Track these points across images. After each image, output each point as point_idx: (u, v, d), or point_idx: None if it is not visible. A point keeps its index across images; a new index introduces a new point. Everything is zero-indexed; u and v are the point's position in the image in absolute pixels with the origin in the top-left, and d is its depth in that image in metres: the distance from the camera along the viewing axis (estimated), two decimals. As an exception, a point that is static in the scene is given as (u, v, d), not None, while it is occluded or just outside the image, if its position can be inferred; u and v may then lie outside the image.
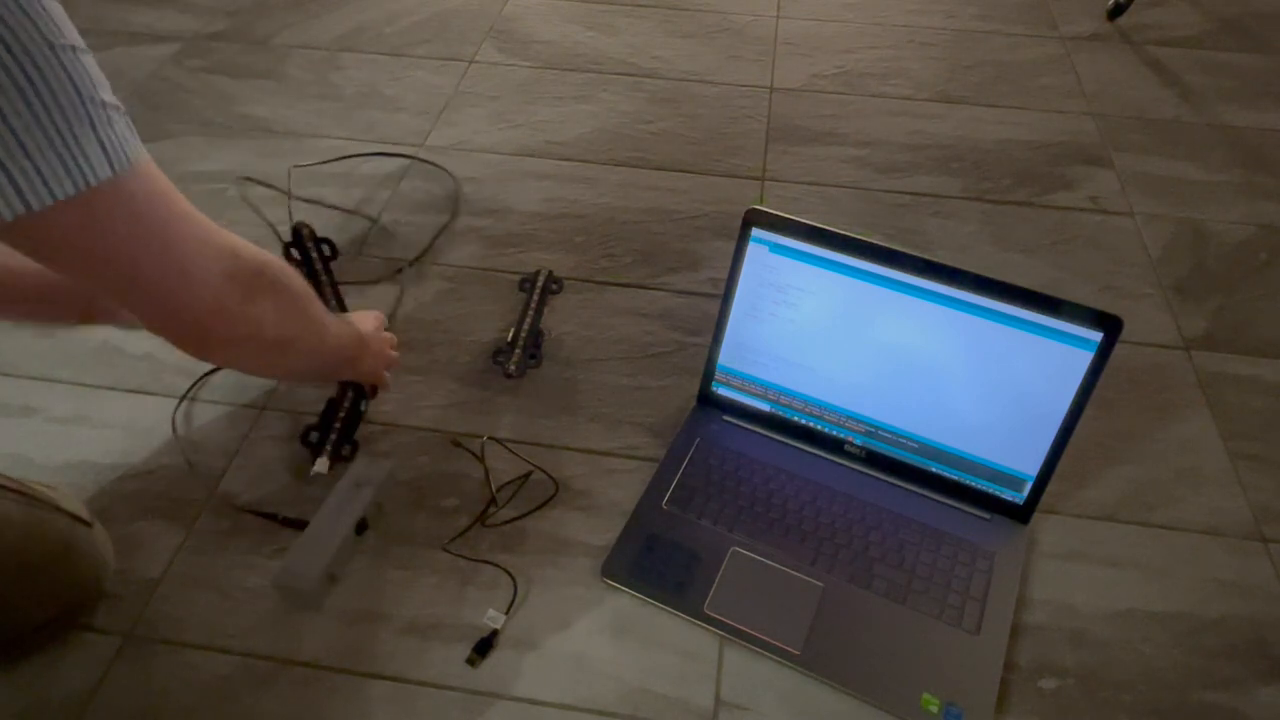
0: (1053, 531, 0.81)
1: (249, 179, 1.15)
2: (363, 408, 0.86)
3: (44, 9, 0.41)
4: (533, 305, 0.98)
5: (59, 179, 0.42)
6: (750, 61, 1.40)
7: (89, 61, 0.44)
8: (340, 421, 0.84)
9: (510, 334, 0.95)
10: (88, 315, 0.80)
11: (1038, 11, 1.53)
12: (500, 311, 1.00)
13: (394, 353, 0.87)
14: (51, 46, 0.41)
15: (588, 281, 1.04)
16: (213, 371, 0.91)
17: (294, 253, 0.96)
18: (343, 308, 0.95)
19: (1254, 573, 0.78)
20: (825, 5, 1.54)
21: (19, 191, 0.41)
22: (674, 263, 1.06)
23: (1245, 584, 0.77)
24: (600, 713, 0.68)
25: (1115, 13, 1.50)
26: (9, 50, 0.39)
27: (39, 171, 0.41)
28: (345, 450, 0.84)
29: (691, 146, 1.23)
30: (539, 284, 1.00)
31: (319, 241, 0.98)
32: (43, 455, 0.84)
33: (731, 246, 0.80)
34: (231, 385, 0.91)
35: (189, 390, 0.90)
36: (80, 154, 0.42)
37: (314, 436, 0.84)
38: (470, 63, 1.39)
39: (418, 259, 1.05)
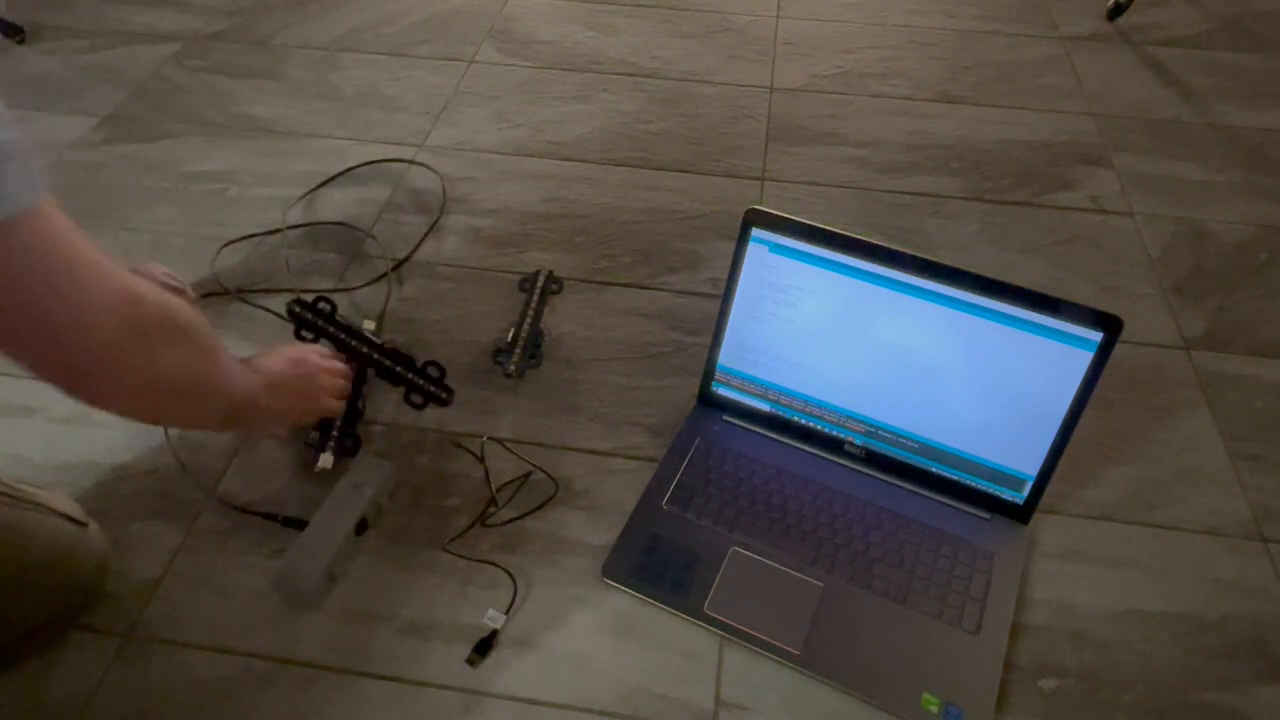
0: (1053, 531, 0.81)
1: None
2: (360, 405, 0.86)
3: None
4: (533, 305, 0.98)
5: None
6: (750, 61, 1.40)
7: None
8: (340, 418, 0.84)
9: (510, 334, 0.95)
10: None
11: (1038, 11, 1.53)
12: (500, 311, 1.00)
13: (328, 376, 0.81)
14: None
15: (588, 281, 1.04)
16: None
17: (306, 335, 0.91)
18: (372, 352, 0.89)
19: (1254, 573, 0.78)
20: (825, 5, 1.54)
21: None
22: (674, 263, 1.06)
23: (1245, 584, 0.77)
24: (600, 713, 0.68)
25: (1115, 13, 1.50)
26: None
27: None
28: (349, 443, 0.84)
29: (691, 146, 1.23)
30: (539, 284, 1.00)
31: (315, 306, 0.91)
32: (43, 455, 0.84)
33: (731, 246, 0.80)
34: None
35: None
36: None
37: (313, 436, 0.84)
38: (470, 63, 1.39)
39: (403, 261, 1.05)
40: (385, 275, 1.03)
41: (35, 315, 0.46)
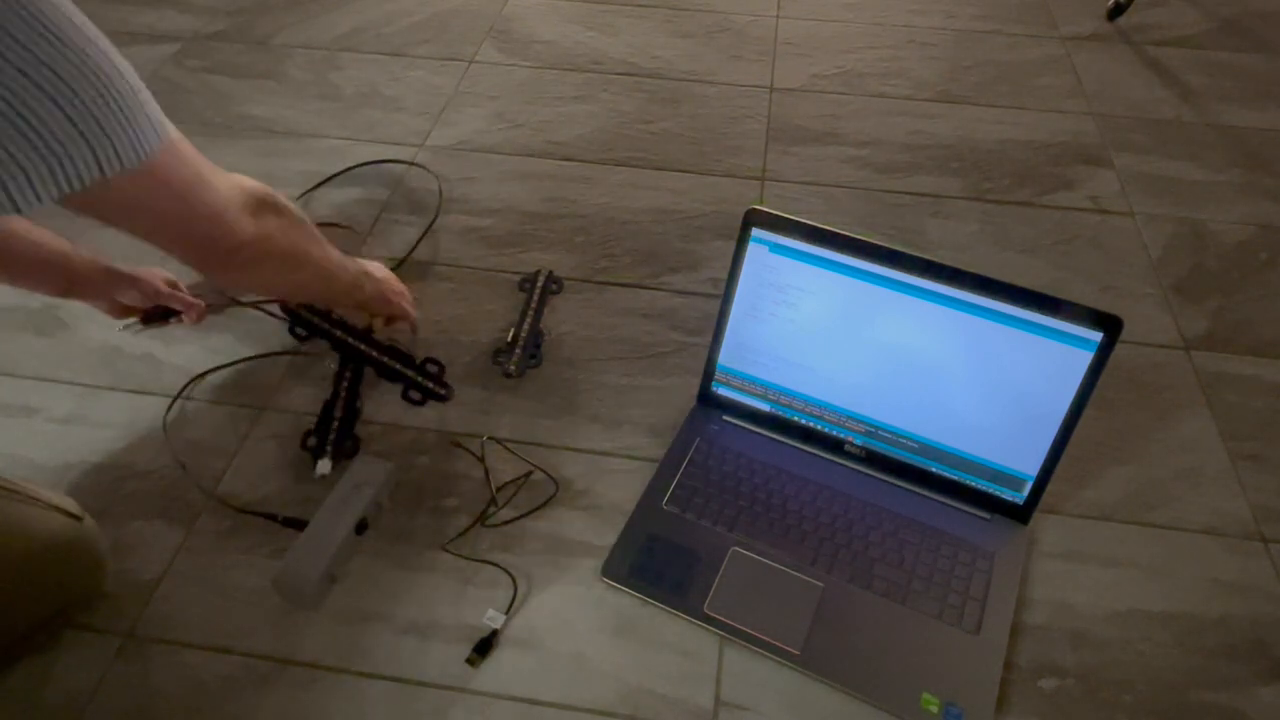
0: (1053, 531, 0.81)
1: None
2: (358, 404, 0.86)
3: (80, 15, 0.49)
4: (533, 305, 0.98)
5: (126, 153, 0.51)
6: (750, 61, 1.40)
7: (119, 56, 0.52)
8: (338, 420, 0.84)
9: (510, 334, 0.95)
10: (68, 291, 0.87)
11: (1038, 11, 1.53)
12: (500, 311, 1.00)
13: (407, 300, 0.93)
14: (105, 54, 0.49)
15: (588, 281, 1.04)
16: (205, 374, 0.91)
17: (299, 331, 0.93)
18: (371, 350, 0.90)
19: (1254, 573, 0.78)
20: (825, 5, 1.54)
21: (99, 162, 0.50)
22: (674, 263, 1.06)
23: (1245, 584, 0.77)
24: (600, 713, 0.68)
25: (1115, 13, 1.50)
26: (84, 69, 0.48)
27: (114, 148, 0.50)
28: (347, 445, 0.84)
29: (691, 146, 1.23)
30: (539, 284, 1.00)
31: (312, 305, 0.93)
32: (43, 455, 0.84)
33: (731, 246, 0.80)
34: (231, 385, 0.91)
35: (181, 391, 0.90)
36: (139, 132, 0.52)
37: (312, 441, 0.84)
38: (470, 63, 1.39)
39: (403, 260, 1.05)
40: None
41: (189, 222, 0.59)
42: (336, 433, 0.84)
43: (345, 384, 0.87)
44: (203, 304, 0.95)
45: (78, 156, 0.49)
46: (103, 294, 0.90)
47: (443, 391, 0.88)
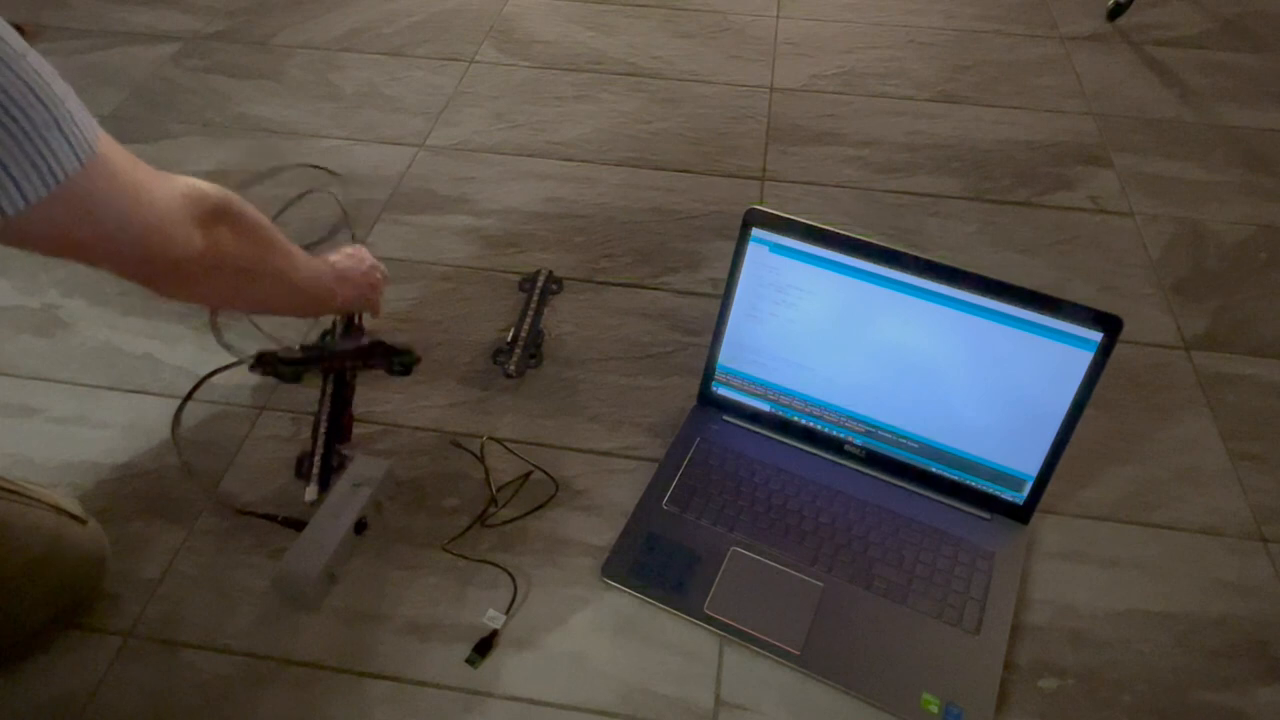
0: (1053, 531, 0.81)
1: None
2: (345, 420, 0.86)
3: None
4: (533, 305, 0.98)
5: (31, 183, 0.44)
6: (750, 61, 1.40)
7: (36, 60, 0.45)
8: (320, 445, 0.83)
9: (510, 334, 0.95)
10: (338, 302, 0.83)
11: (1038, 11, 1.53)
12: (500, 311, 1.00)
13: (379, 274, 0.88)
14: (6, 63, 0.43)
15: (588, 281, 1.04)
16: (215, 372, 0.91)
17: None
18: (343, 359, 0.90)
19: (1254, 573, 0.78)
20: (825, 5, 1.54)
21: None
22: (674, 263, 1.06)
23: (1245, 584, 0.77)
24: (600, 713, 0.68)
25: (1115, 13, 1.50)
26: None
27: (13, 180, 0.44)
28: (334, 462, 0.83)
29: (691, 146, 1.23)
30: (539, 284, 1.00)
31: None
32: (43, 455, 0.84)
33: (731, 246, 0.80)
34: (232, 386, 0.91)
35: (191, 392, 0.90)
36: (50, 154, 0.45)
37: (305, 466, 0.83)
38: (470, 63, 1.39)
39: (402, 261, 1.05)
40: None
41: (125, 233, 0.53)
42: (322, 457, 0.83)
43: (328, 402, 0.86)
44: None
45: None
46: (364, 295, 0.86)
47: (407, 357, 0.90)
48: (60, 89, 0.46)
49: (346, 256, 0.85)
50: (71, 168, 0.47)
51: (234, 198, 0.62)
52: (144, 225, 0.53)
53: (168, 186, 0.56)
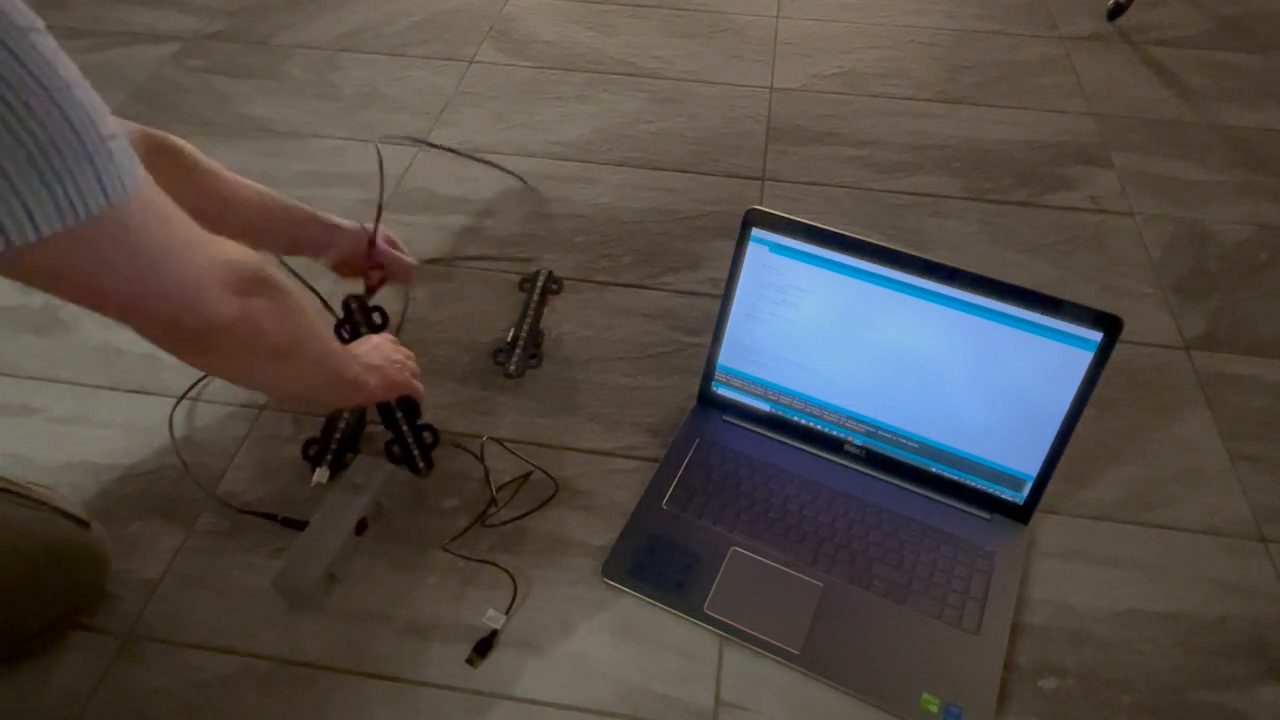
0: (1053, 531, 0.81)
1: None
2: (363, 423, 0.86)
3: (38, 53, 0.40)
4: (533, 305, 0.98)
5: (45, 211, 0.42)
6: (750, 61, 1.40)
7: (84, 94, 0.44)
8: (341, 433, 0.83)
9: (510, 334, 0.95)
10: (292, 246, 0.84)
11: (1038, 11, 1.53)
12: (500, 311, 1.00)
13: (412, 364, 0.83)
14: (47, 91, 0.41)
15: (588, 281, 1.04)
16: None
17: (344, 331, 0.89)
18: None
19: (1254, 573, 0.78)
20: (825, 5, 1.54)
21: (3, 230, 0.41)
22: (674, 263, 1.06)
23: (1245, 584, 0.77)
24: (600, 713, 0.68)
25: (1115, 13, 1.50)
26: (4, 101, 0.39)
27: (27, 210, 0.41)
28: (348, 457, 0.83)
29: (691, 146, 1.23)
30: (539, 284, 1.00)
31: (369, 313, 0.90)
32: (43, 455, 0.84)
33: (731, 246, 0.80)
34: (231, 386, 0.91)
35: (187, 391, 0.90)
36: (73, 187, 0.43)
37: (314, 450, 0.83)
38: (470, 63, 1.39)
39: (372, 243, 1.04)
40: (384, 281, 1.02)
41: (152, 288, 0.49)
42: (338, 446, 0.83)
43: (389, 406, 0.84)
44: (418, 263, 0.92)
45: None
46: (324, 249, 0.84)
47: (421, 465, 0.82)
48: (105, 128, 0.45)
49: (376, 349, 0.80)
50: (96, 205, 0.44)
51: (271, 269, 0.58)
52: (174, 282, 0.50)
53: (206, 246, 0.52)
